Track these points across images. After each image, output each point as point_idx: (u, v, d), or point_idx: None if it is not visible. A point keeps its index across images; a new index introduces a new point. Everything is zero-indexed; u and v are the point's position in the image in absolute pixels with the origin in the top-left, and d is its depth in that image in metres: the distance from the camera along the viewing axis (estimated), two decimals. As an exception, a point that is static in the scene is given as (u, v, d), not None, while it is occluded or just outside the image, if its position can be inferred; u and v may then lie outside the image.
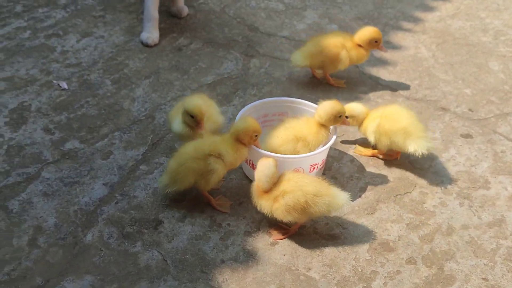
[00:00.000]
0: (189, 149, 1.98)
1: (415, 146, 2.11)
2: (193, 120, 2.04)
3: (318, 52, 2.56)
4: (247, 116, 2.13)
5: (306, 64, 2.59)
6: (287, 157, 2.04)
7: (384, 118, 2.18)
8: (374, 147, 2.27)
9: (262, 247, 1.92)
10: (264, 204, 1.88)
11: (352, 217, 2.03)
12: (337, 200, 1.87)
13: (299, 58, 2.59)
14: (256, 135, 2.01)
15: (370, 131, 2.21)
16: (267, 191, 1.88)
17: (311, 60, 2.59)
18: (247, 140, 1.99)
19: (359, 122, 2.24)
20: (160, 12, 3.15)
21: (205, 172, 1.95)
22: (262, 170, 1.86)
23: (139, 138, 2.33)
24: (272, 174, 1.86)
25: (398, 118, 2.16)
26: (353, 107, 2.23)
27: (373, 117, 2.22)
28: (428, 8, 3.38)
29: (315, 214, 1.87)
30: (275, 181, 1.88)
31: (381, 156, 2.28)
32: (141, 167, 2.20)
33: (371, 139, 2.21)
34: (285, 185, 1.86)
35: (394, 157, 2.27)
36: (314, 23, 3.17)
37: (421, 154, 2.10)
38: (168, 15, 3.15)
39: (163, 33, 3.00)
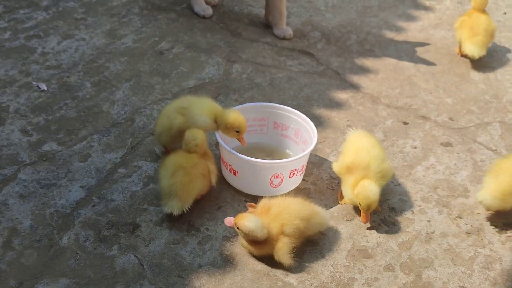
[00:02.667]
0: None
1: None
2: (237, 134, 2.10)
3: None
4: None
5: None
6: (267, 162, 2.03)
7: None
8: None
9: (240, 252, 1.90)
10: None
11: (331, 224, 2.02)
12: (324, 217, 1.90)
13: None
14: (238, 131, 2.07)
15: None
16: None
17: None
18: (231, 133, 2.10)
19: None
20: (142, 15, 3.14)
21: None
22: (253, 230, 1.79)
23: (118, 141, 2.31)
24: (262, 226, 1.81)
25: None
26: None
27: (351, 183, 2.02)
28: (411, 18, 3.40)
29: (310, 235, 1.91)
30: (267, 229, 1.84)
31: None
32: (119, 170, 2.18)
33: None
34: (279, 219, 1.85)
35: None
36: (297, 30, 3.17)
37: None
38: (151, 18, 3.14)
39: (144, 36, 2.98)
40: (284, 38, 3.07)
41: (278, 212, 1.85)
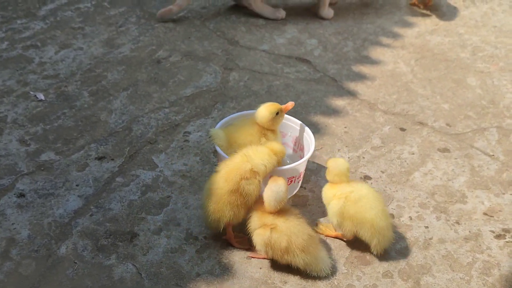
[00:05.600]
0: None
1: (376, 246, 1.88)
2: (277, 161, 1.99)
3: None
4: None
5: None
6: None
7: (350, 201, 1.90)
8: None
9: (238, 261, 1.90)
10: (260, 232, 1.83)
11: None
12: (318, 264, 1.83)
13: None
14: (277, 113, 2.08)
15: (332, 212, 1.93)
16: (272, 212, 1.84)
17: None
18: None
19: (330, 176, 1.98)
20: (139, 24, 3.15)
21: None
22: (272, 195, 1.81)
23: (115, 150, 2.31)
24: (282, 199, 1.82)
25: (365, 205, 1.89)
26: (331, 161, 1.99)
27: (336, 194, 1.94)
28: (407, 24, 3.41)
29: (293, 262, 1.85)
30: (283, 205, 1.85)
31: (345, 239, 2.01)
32: (117, 179, 2.18)
33: (334, 221, 1.93)
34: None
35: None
36: (294, 37, 3.18)
37: (375, 253, 1.91)
38: (148, 27, 3.15)
39: (142, 45, 2.99)
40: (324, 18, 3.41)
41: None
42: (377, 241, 1.87)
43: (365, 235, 1.88)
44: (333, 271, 1.87)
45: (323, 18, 3.40)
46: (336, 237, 2.00)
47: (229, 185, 1.84)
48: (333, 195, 1.94)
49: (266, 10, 3.34)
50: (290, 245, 1.79)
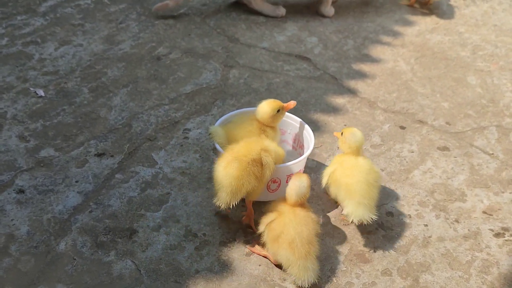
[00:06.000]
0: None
1: (349, 211, 1.91)
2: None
3: None
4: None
5: None
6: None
7: (341, 167, 1.99)
8: None
9: (237, 258, 1.90)
10: (268, 214, 1.85)
11: (328, 228, 2.02)
12: (300, 271, 1.78)
13: None
14: (278, 111, 2.08)
15: (324, 173, 2.05)
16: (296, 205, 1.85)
17: None
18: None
19: (345, 146, 2.04)
20: (139, 21, 3.15)
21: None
22: (294, 189, 1.82)
23: (115, 146, 2.31)
24: (304, 194, 1.83)
25: (351, 172, 1.95)
26: (350, 131, 2.03)
27: (336, 161, 2.05)
28: (408, 23, 3.41)
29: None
30: (305, 200, 1.86)
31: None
32: (116, 176, 2.18)
33: (323, 182, 2.04)
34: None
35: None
36: (294, 35, 3.18)
37: (351, 221, 1.91)
38: (148, 24, 3.15)
39: (142, 42, 2.99)
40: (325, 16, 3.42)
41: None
42: (350, 206, 1.91)
43: (340, 198, 1.97)
44: (332, 268, 1.88)
45: (324, 16, 3.40)
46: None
47: (252, 154, 1.86)
48: (334, 162, 2.04)
49: (266, 8, 3.34)
50: (282, 235, 1.78)
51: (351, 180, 1.93)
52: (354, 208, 1.90)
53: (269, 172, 1.89)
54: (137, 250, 1.90)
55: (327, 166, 2.17)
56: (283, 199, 1.87)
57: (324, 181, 2.03)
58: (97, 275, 1.81)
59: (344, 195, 1.94)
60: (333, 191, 2.01)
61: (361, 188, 1.92)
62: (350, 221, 1.91)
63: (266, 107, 2.08)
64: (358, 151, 2.03)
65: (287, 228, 1.79)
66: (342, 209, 2.02)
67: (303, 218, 1.81)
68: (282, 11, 3.35)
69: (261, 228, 1.84)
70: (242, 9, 3.39)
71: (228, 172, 1.85)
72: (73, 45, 2.94)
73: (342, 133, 2.07)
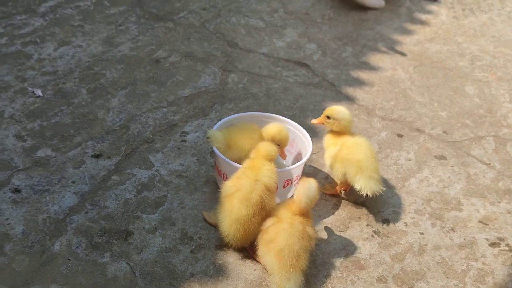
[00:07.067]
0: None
1: (362, 185, 2.03)
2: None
3: None
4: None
5: None
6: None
7: (345, 146, 2.10)
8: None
9: (232, 262, 1.89)
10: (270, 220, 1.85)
11: (324, 234, 2.02)
12: (282, 280, 1.77)
13: None
14: (279, 145, 2.08)
15: (328, 155, 2.15)
16: (300, 213, 1.84)
17: None
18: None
19: (340, 126, 2.13)
20: (139, 23, 3.15)
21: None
22: (304, 191, 1.82)
23: (112, 148, 2.31)
24: (313, 196, 1.83)
25: (357, 150, 2.08)
26: (337, 110, 2.14)
27: (335, 142, 2.14)
28: (407, 31, 3.41)
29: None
30: (313, 205, 1.86)
31: (342, 193, 2.20)
32: (113, 177, 2.17)
33: (327, 163, 2.15)
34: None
35: (345, 189, 2.21)
36: (294, 41, 3.19)
37: (365, 194, 2.03)
38: (148, 27, 3.15)
39: (141, 44, 2.99)
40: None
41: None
42: (362, 180, 2.03)
43: (350, 174, 2.06)
44: (328, 274, 1.87)
45: (369, 8, 3.60)
46: (336, 193, 2.19)
47: (253, 208, 1.84)
48: (333, 143, 2.13)
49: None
50: (273, 241, 1.77)
51: (360, 157, 2.05)
52: (366, 182, 2.02)
53: (272, 208, 1.89)
54: (132, 252, 1.89)
55: (325, 172, 2.22)
56: (288, 204, 1.87)
57: (328, 162, 2.13)
58: (92, 276, 1.80)
59: (355, 171, 2.04)
60: (340, 170, 2.09)
61: (371, 163, 2.05)
62: (364, 194, 2.02)
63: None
64: (350, 127, 2.14)
65: (278, 237, 1.78)
66: (349, 186, 2.14)
67: (298, 231, 1.80)
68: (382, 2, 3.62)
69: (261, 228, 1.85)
70: (242, 14, 3.39)
71: (232, 234, 1.86)
72: (72, 46, 2.93)
73: (327, 116, 2.13)
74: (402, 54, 3.17)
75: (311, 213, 1.88)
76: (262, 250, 1.82)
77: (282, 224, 1.80)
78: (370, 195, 2.02)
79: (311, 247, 1.83)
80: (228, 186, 1.89)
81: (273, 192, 1.89)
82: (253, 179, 1.86)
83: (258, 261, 1.89)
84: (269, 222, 1.83)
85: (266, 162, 1.92)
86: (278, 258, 1.76)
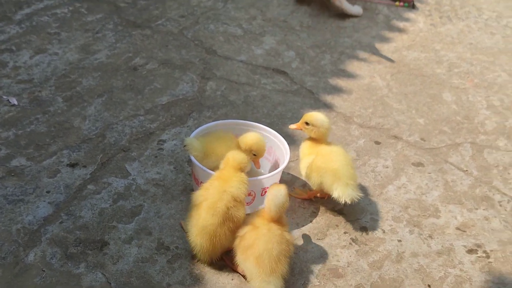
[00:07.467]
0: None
1: (340, 193, 2.02)
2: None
3: None
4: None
5: None
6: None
7: (320, 155, 2.09)
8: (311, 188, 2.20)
9: (209, 271, 1.88)
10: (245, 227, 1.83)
11: (302, 242, 2.01)
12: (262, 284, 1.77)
13: None
14: (255, 155, 2.08)
15: (303, 165, 2.13)
16: (273, 220, 1.82)
17: None
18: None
19: (318, 133, 2.12)
20: (116, 31, 3.13)
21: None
22: (272, 199, 1.80)
23: (88, 157, 2.28)
24: (281, 203, 1.81)
25: (332, 158, 2.08)
26: (316, 116, 2.13)
27: (311, 152, 2.13)
28: (384, 39, 3.43)
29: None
30: (284, 211, 1.84)
31: (318, 194, 2.20)
32: (88, 186, 2.15)
33: (303, 173, 2.14)
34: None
35: (323, 197, 2.20)
36: (272, 49, 3.19)
37: (343, 202, 2.01)
38: (125, 34, 3.13)
39: (118, 52, 2.97)
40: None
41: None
42: (340, 188, 2.01)
43: (327, 183, 2.04)
44: (305, 283, 1.86)
45: (348, 15, 3.63)
46: (308, 198, 2.19)
47: (219, 218, 1.81)
48: (309, 153, 2.12)
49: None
50: (251, 248, 1.76)
51: (336, 165, 2.04)
52: (344, 189, 2.01)
53: (242, 221, 1.86)
54: (107, 263, 1.86)
55: (303, 179, 2.19)
56: (261, 213, 1.85)
57: (304, 172, 2.12)
58: (67, 287, 1.77)
59: (332, 180, 2.03)
60: (317, 179, 2.08)
61: (346, 170, 2.04)
62: (343, 202, 2.00)
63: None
64: (327, 134, 2.14)
65: (257, 242, 1.77)
66: (327, 195, 2.13)
67: (277, 236, 1.79)
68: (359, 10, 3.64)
69: (237, 235, 1.83)
70: (220, 21, 3.38)
71: (199, 243, 1.84)
72: (48, 53, 2.90)
73: (306, 122, 2.12)
74: (390, 60, 3.17)
75: (286, 219, 1.87)
76: (241, 257, 1.80)
77: (260, 230, 1.79)
78: (349, 202, 2.01)
79: (290, 251, 1.81)
80: (196, 196, 1.87)
81: (241, 203, 1.86)
82: (221, 190, 1.84)
83: (235, 270, 1.87)
84: (245, 229, 1.81)
85: (235, 173, 1.90)
86: (257, 263, 1.75)
